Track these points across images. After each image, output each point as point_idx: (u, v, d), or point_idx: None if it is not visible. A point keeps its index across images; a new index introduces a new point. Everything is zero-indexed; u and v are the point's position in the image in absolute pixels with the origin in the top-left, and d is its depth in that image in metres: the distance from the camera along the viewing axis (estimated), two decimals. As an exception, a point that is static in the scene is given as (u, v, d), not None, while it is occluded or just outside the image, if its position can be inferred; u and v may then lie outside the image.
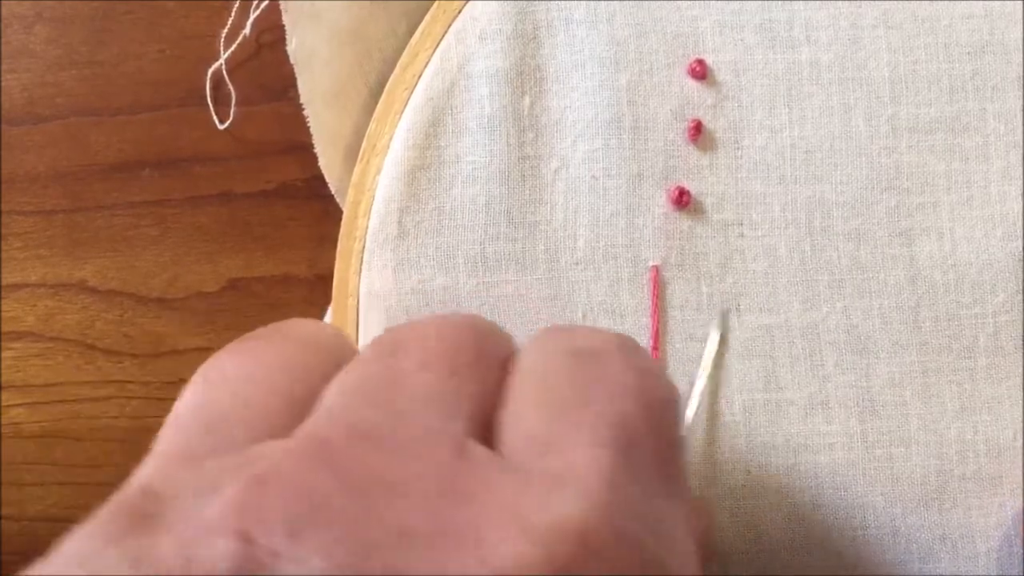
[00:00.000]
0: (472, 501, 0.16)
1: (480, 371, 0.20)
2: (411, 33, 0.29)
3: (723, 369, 0.29)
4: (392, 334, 0.21)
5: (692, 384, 0.28)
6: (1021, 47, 0.29)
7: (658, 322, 0.29)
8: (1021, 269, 0.28)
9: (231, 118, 0.32)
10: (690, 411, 0.28)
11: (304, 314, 0.32)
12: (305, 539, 0.15)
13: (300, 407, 0.19)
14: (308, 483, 0.16)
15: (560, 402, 0.19)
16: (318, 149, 0.30)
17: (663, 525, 0.18)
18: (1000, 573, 0.28)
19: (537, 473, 0.17)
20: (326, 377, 0.20)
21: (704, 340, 0.29)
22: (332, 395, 0.19)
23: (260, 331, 0.22)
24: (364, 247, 0.29)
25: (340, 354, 0.21)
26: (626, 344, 0.21)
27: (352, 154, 0.29)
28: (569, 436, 0.18)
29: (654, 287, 0.29)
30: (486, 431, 0.19)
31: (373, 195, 0.29)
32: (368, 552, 0.15)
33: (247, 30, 0.31)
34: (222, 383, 0.20)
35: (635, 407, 0.19)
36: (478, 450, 0.17)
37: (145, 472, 0.18)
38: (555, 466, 0.17)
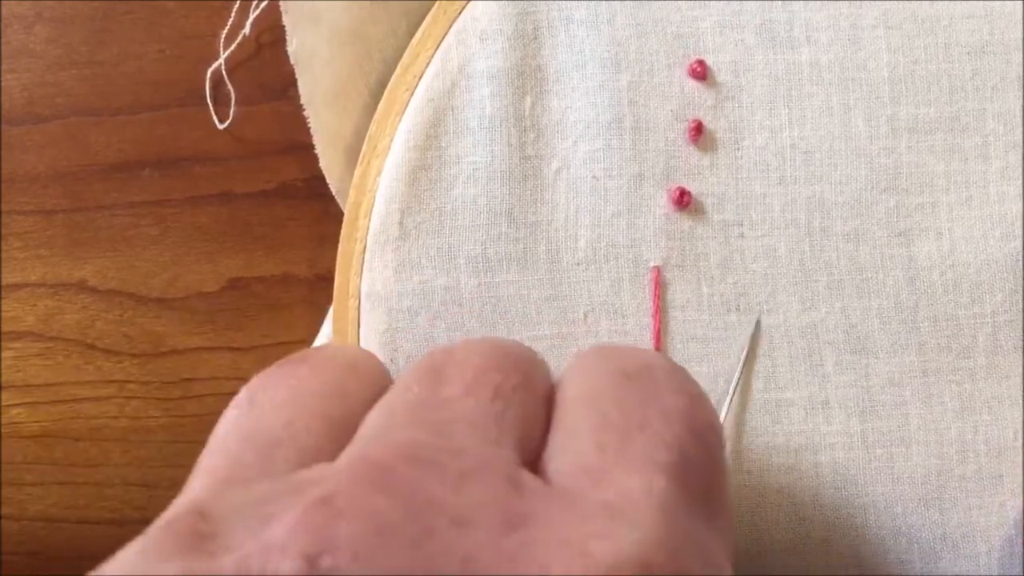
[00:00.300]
0: (532, 532, 0.16)
1: (524, 396, 0.20)
2: (411, 34, 0.29)
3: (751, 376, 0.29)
4: (433, 359, 0.21)
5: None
6: (1021, 47, 0.29)
7: (659, 322, 0.29)
8: (1020, 269, 0.29)
9: (231, 118, 0.32)
10: (721, 420, 0.28)
11: (304, 314, 0.32)
12: (370, 562, 0.15)
13: (340, 431, 0.19)
14: (371, 506, 0.16)
15: (612, 427, 0.19)
16: (319, 150, 0.30)
17: (711, 552, 0.18)
18: (1001, 573, 0.28)
19: (593, 503, 0.17)
20: (365, 402, 0.20)
21: (704, 340, 0.29)
22: (378, 419, 0.19)
23: (303, 354, 0.22)
24: (365, 248, 0.29)
25: (379, 380, 0.21)
26: (673, 366, 0.21)
27: (353, 155, 0.29)
28: (622, 463, 0.18)
29: (655, 287, 0.29)
30: (533, 458, 0.19)
31: (374, 196, 0.29)
32: None
33: (247, 30, 0.31)
34: (269, 406, 0.20)
35: (685, 431, 0.19)
36: (529, 479, 0.17)
37: (194, 492, 0.18)
38: (611, 495, 0.17)
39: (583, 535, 0.16)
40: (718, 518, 0.19)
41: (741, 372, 0.28)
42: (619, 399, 0.20)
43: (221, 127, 0.32)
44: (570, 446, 0.19)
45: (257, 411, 0.20)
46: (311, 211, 0.32)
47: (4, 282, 0.33)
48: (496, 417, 0.19)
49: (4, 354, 0.33)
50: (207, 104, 0.32)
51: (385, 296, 0.29)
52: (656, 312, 0.29)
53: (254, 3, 0.31)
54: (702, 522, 0.18)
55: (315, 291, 0.32)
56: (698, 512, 0.18)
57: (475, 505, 0.16)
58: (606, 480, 0.18)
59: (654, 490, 0.17)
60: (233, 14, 0.31)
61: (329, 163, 0.30)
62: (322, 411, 0.20)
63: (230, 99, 0.32)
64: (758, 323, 0.29)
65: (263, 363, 0.32)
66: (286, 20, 0.29)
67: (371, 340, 0.29)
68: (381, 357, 0.29)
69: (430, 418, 0.19)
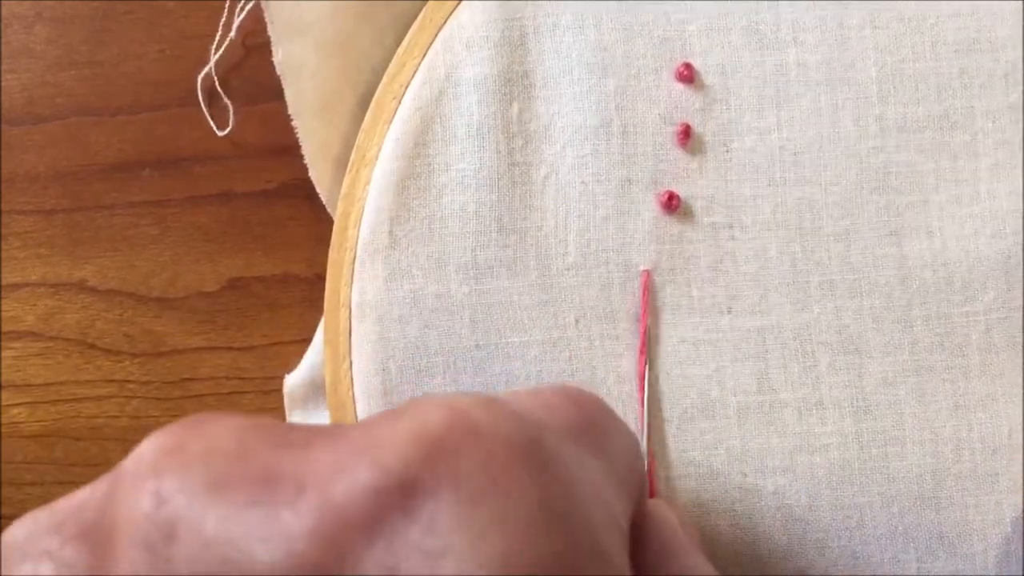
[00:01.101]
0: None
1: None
2: (399, 43, 0.29)
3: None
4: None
5: (682, 381, 0.28)
6: (1008, 44, 0.29)
7: (646, 325, 0.29)
8: (1012, 266, 0.28)
9: (231, 123, 0.32)
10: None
11: (304, 314, 0.32)
12: None
13: None
14: None
15: None
16: (308, 160, 0.30)
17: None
18: (998, 572, 0.28)
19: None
20: None
21: (695, 343, 0.29)
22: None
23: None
24: (355, 258, 0.29)
25: None
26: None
27: (342, 164, 0.29)
28: None
29: (644, 292, 0.29)
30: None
31: (363, 205, 0.29)
32: None
33: (232, 33, 0.31)
34: None
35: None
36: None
37: None
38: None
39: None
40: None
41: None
42: None
43: (221, 134, 0.32)
44: None
45: None
46: (311, 211, 0.32)
47: (4, 282, 0.33)
48: None
49: (4, 354, 0.33)
50: (208, 104, 0.32)
51: (376, 305, 0.29)
52: (644, 316, 0.29)
53: (240, 5, 0.31)
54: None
55: (315, 291, 0.32)
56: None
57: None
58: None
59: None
60: (225, 14, 0.31)
61: (319, 173, 0.30)
62: None
63: (227, 102, 0.32)
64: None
65: (263, 362, 0.32)
66: (271, 31, 0.29)
67: (363, 350, 0.29)
68: (372, 367, 0.29)
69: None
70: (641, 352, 0.28)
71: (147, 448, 0.17)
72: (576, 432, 0.19)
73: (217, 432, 0.17)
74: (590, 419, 0.20)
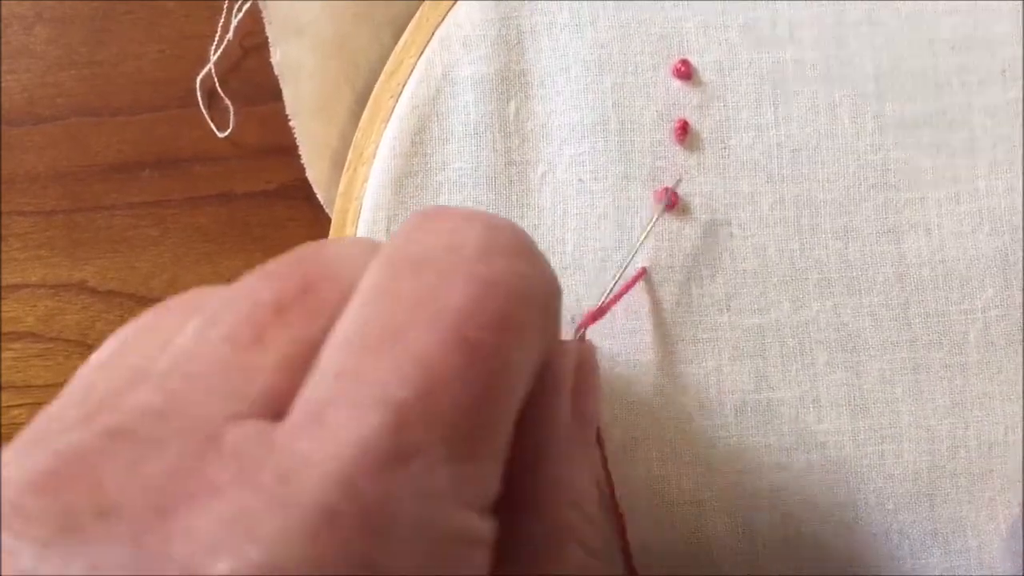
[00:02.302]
0: (186, 521, 0.14)
1: (305, 312, 0.17)
2: (396, 42, 0.29)
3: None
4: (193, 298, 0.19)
5: (681, 380, 0.28)
6: (1005, 41, 0.28)
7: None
8: (1010, 264, 0.28)
9: (231, 123, 0.32)
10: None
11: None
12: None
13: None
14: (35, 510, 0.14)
15: (362, 342, 0.16)
16: (305, 160, 0.30)
17: (446, 503, 0.15)
18: (991, 570, 0.28)
19: (266, 475, 0.15)
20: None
21: (695, 341, 0.29)
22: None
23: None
24: (353, 256, 0.29)
25: None
26: (490, 238, 0.18)
27: (339, 163, 0.30)
28: (347, 398, 0.15)
29: (627, 286, 0.28)
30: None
31: (361, 204, 0.29)
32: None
33: (230, 34, 0.31)
34: None
35: (452, 339, 0.16)
36: (236, 437, 0.15)
37: None
38: (305, 448, 0.15)
39: (240, 521, 0.14)
40: (487, 454, 0.16)
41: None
42: (394, 297, 0.17)
43: (221, 135, 0.32)
44: (317, 371, 0.16)
45: None
46: (311, 212, 0.32)
47: (4, 283, 0.33)
48: (242, 363, 0.16)
49: (4, 355, 0.33)
50: (207, 105, 0.32)
51: (374, 303, 0.29)
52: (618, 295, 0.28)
53: (237, 5, 0.31)
54: (453, 464, 0.15)
55: (314, 292, 0.32)
56: (442, 452, 0.15)
57: (134, 489, 0.15)
58: (319, 422, 0.15)
59: (345, 455, 0.14)
60: (223, 16, 0.31)
61: (316, 173, 0.30)
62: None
63: (227, 103, 0.32)
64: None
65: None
66: (269, 32, 0.29)
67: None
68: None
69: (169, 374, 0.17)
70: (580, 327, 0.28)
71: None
72: (458, 429, 0.16)
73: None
74: (487, 380, 0.17)
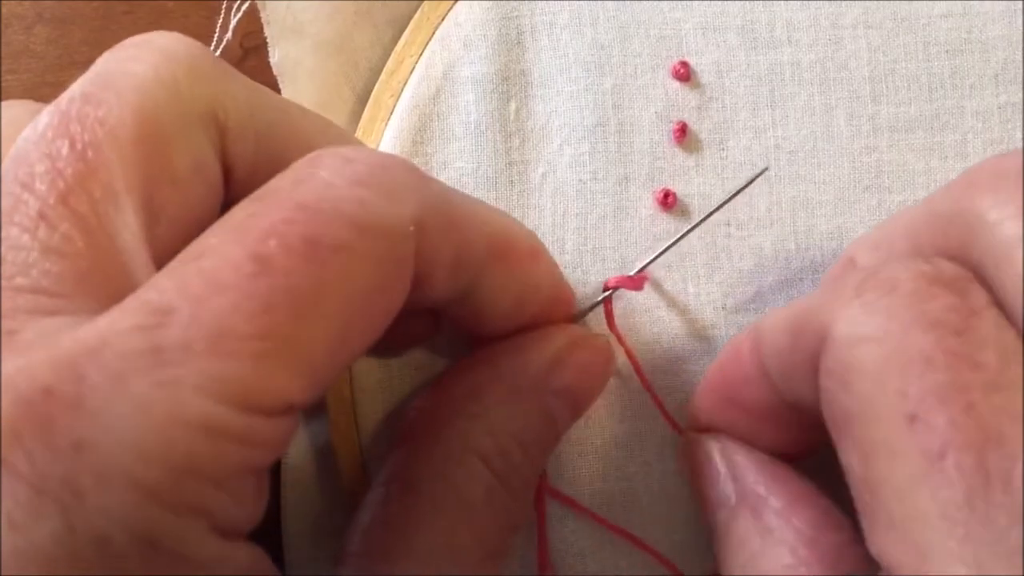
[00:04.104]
0: None
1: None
2: (397, 42, 0.29)
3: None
4: None
5: (680, 378, 0.29)
6: (998, 45, 0.29)
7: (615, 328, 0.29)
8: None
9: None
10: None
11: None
12: None
13: None
14: None
15: (175, 262, 0.19)
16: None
17: (186, 393, 0.17)
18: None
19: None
20: None
21: (693, 339, 0.29)
22: None
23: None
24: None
25: None
26: (331, 174, 0.20)
27: (339, 163, 0.29)
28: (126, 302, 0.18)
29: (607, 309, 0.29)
30: None
31: (362, 204, 0.29)
32: None
33: (229, 34, 0.31)
34: None
35: (239, 256, 0.18)
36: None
37: None
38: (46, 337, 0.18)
39: None
40: (275, 354, 0.18)
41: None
42: (223, 221, 0.19)
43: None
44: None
45: None
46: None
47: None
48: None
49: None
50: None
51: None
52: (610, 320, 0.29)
53: (236, 5, 0.31)
54: (212, 360, 0.17)
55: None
56: (201, 347, 0.17)
57: None
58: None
59: (81, 340, 0.17)
60: (222, 16, 0.31)
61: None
62: None
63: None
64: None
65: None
66: (268, 32, 0.29)
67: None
68: (372, 361, 0.29)
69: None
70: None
71: None
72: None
73: None
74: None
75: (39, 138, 0.20)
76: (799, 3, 0.29)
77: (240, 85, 0.22)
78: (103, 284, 0.19)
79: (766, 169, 0.28)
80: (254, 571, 0.19)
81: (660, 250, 0.28)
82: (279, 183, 0.20)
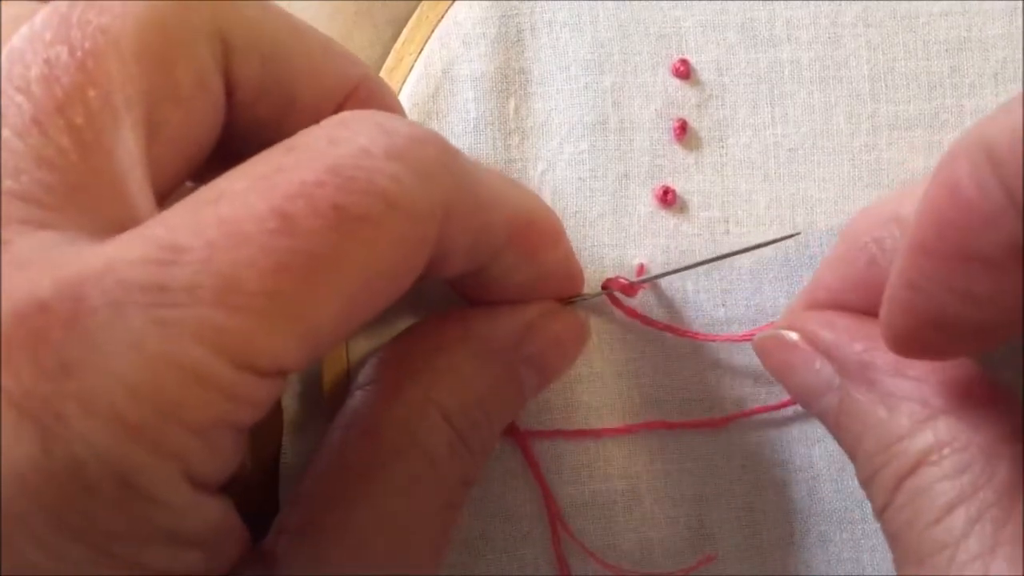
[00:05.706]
0: None
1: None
2: (396, 40, 0.29)
3: None
4: None
5: (680, 377, 0.29)
6: (997, 43, 0.29)
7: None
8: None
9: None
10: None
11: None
12: None
13: None
14: None
15: (192, 198, 0.19)
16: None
17: (184, 340, 0.17)
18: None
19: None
20: None
21: (692, 339, 0.29)
22: None
23: None
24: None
25: None
26: (368, 143, 0.19)
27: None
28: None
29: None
30: None
31: (361, 202, 0.29)
32: None
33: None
34: None
35: (264, 210, 0.18)
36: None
37: None
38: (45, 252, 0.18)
39: None
40: (279, 314, 0.18)
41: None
42: (257, 170, 0.19)
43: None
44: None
45: None
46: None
47: None
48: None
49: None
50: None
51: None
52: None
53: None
54: (216, 310, 0.17)
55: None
56: (207, 296, 0.17)
57: None
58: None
59: (89, 263, 0.17)
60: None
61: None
62: None
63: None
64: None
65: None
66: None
67: (358, 343, 0.29)
68: (373, 368, 0.28)
69: None
70: None
71: None
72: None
73: None
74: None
75: (36, 39, 0.19)
76: (799, 1, 0.29)
77: (250, 3, 0.21)
78: (95, 201, 0.18)
79: (798, 233, 0.28)
80: (222, 525, 0.19)
81: (664, 272, 0.28)
82: (311, 139, 0.19)
